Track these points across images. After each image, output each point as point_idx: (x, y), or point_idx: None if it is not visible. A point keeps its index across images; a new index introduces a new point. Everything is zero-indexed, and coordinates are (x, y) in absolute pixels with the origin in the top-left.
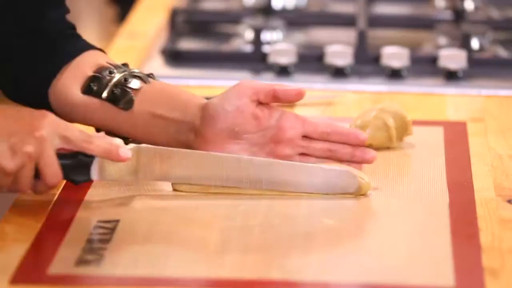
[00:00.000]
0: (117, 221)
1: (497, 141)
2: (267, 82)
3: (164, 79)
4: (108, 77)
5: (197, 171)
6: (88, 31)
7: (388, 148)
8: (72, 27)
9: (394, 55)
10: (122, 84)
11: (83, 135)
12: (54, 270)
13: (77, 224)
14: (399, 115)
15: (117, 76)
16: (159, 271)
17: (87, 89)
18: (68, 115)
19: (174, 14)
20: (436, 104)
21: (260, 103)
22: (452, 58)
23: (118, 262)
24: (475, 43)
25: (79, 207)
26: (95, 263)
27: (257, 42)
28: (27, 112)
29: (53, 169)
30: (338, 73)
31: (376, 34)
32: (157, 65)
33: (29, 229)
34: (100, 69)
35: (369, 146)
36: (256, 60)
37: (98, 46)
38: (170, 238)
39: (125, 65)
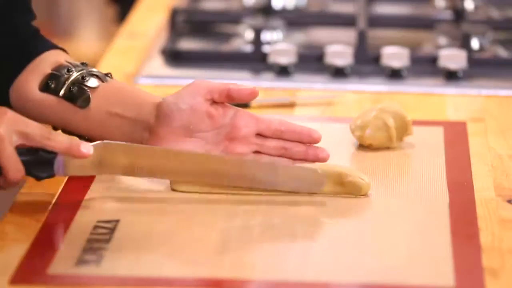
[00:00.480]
0: (117, 221)
1: (497, 141)
2: (267, 81)
3: (164, 79)
4: (66, 75)
5: (161, 167)
6: (88, 31)
7: (388, 148)
8: (37, 30)
9: (394, 55)
10: (80, 82)
11: (43, 132)
12: (54, 270)
13: (77, 224)
14: (399, 115)
15: (74, 75)
16: (159, 271)
17: (45, 87)
18: (27, 113)
19: (174, 14)
20: (436, 104)
21: (214, 102)
22: (452, 58)
23: (118, 262)
24: (475, 43)
25: (79, 207)
26: (95, 263)
27: (257, 42)
28: None
29: (14, 165)
30: (338, 73)
31: (376, 34)
32: (157, 65)
33: (29, 229)
34: (58, 67)
35: (369, 146)
36: (256, 60)
37: (98, 46)
38: (170, 238)
39: (84, 64)
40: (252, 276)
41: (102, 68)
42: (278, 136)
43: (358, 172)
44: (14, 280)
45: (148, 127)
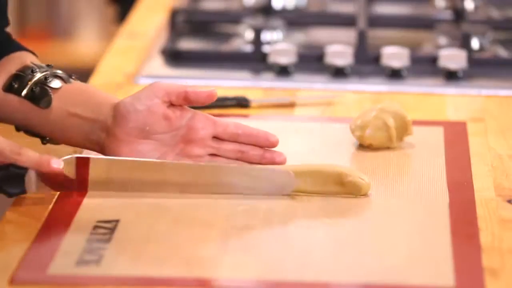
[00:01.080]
0: (117, 221)
1: (497, 141)
2: (267, 81)
3: (164, 79)
4: (29, 76)
5: (133, 179)
6: (88, 31)
7: (388, 148)
8: (9, 35)
9: (394, 55)
10: (42, 83)
11: (13, 147)
12: (54, 270)
13: (77, 224)
14: (399, 115)
15: (38, 75)
16: (159, 271)
17: (8, 87)
18: None
19: (174, 14)
20: (436, 104)
21: (172, 104)
22: (452, 58)
23: (118, 262)
24: (475, 43)
25: (79, 207)
26: (95, 263)
27: (257, 42)
28: None
29: None
30: (338, 73)
31: (376, 34)
32: (157, 65)
33: (29, 229)
34: (23, 68)
35: (369, 146)
36: (256, 60)
37: (98, 46)
38: (170, 238)
39: (49, 66)
40: (252, 276)
41: (102, 68)
42: (234, 139)
43: (358, 172)
44: (14, 280)
45: (105, 127)
